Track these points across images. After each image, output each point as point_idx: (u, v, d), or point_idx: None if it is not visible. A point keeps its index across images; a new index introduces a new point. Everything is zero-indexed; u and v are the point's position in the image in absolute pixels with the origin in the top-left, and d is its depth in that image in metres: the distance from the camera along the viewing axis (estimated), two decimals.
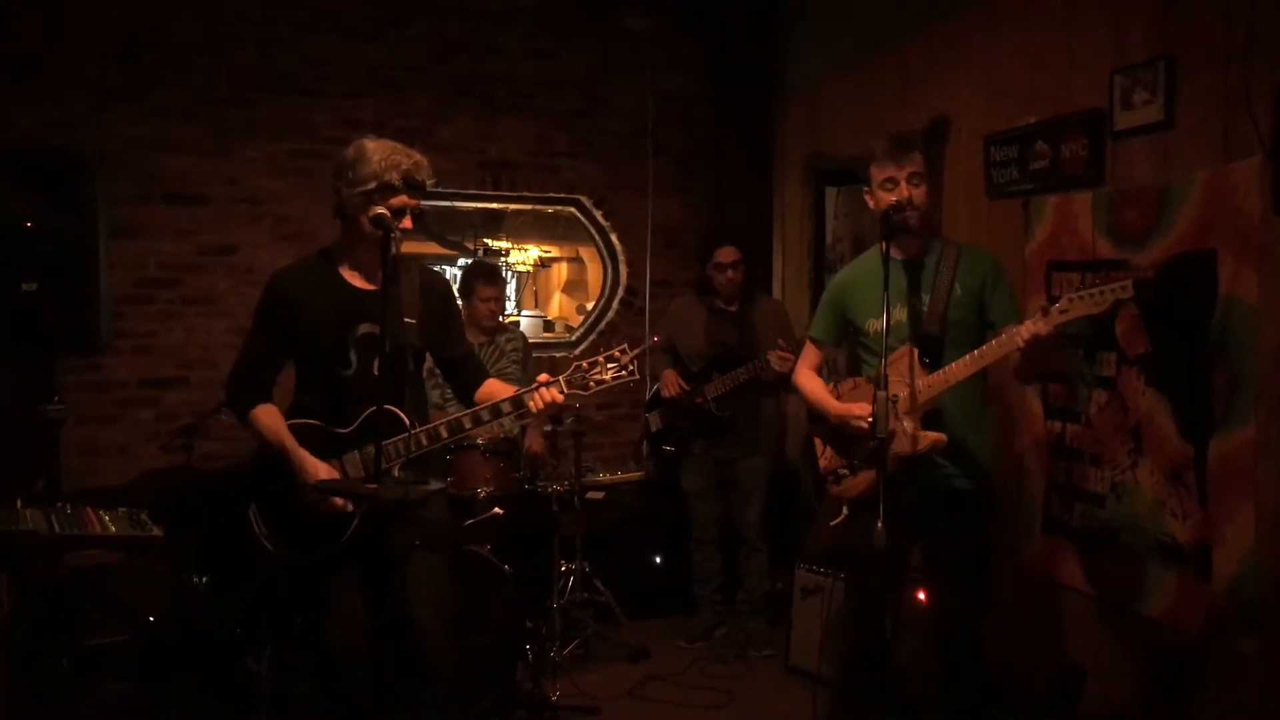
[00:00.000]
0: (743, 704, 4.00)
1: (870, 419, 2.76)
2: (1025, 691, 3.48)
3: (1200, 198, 2.83)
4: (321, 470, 2.58)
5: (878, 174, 2.88)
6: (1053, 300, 3.34)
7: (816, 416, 3.11)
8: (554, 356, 5.35)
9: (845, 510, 3.01)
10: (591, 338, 5.65)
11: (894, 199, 2.81)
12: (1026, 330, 2.56)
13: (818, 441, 3.12)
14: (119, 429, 4.61)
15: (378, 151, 2.56)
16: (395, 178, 2.54)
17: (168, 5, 4.63)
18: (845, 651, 3.12)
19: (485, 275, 4.58)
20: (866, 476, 2.93)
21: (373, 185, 2.53)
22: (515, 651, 3.79)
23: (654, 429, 4.71)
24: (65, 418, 3.79)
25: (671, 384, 4.54)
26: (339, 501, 2.55)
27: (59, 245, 3.58)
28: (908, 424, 2.77)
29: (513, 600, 3.72)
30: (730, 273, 4.44)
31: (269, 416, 2.67)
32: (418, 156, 2.61)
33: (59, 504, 3.18)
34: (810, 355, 3.20)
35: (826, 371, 3.26)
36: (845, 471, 3.01)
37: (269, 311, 2.70)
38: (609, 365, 2.57)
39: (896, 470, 2.71)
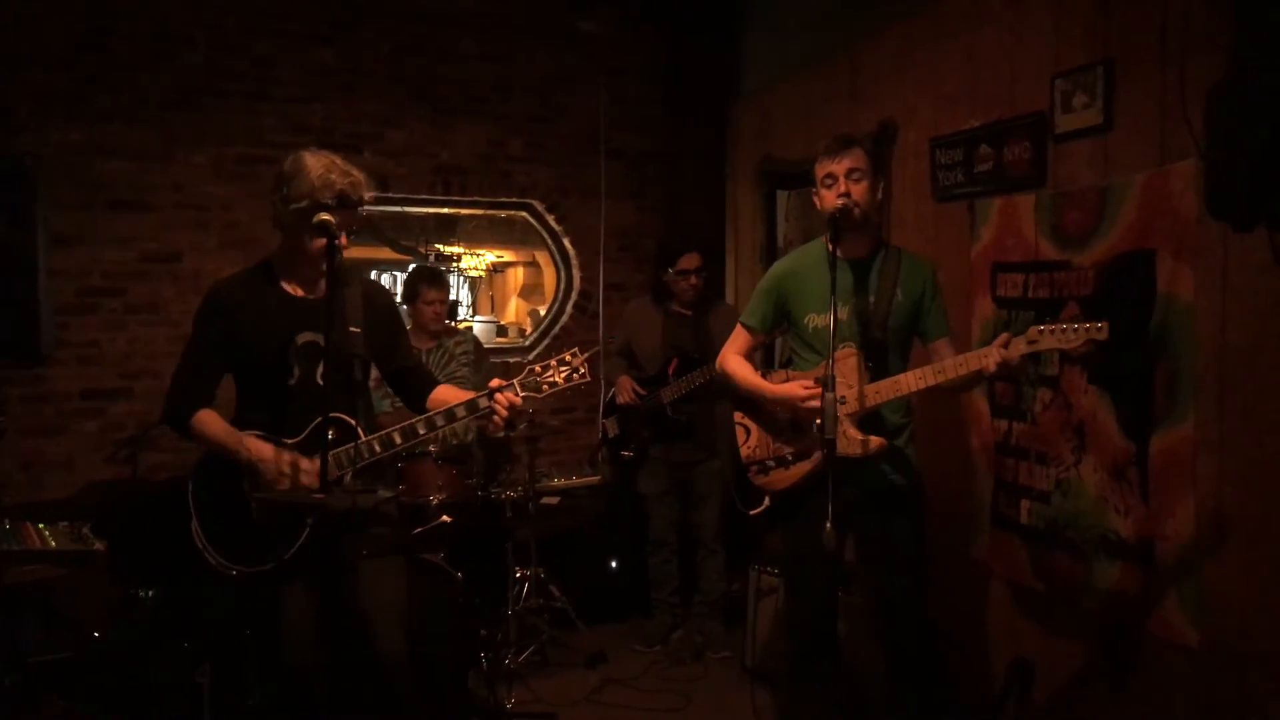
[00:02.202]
0: (700, 706, 4.01)
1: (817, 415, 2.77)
2: (976, 686, 3.53)
3: (1139, 199, 2.89)
4: (277, 453, 2.55)
5: (819, 171, 2.90)
6: (998, 302, 3.43)
7: (744, 401, 3.09)
8: (507, 361, 5.33)
9: (767, 501, 3.01)
10: (546, 342, 5.64)
11: (835, 196, 2.83)
12: (996, 357, 2.59)
13: (740, 429, 3.10)
14: (62, 441, 4.51)
15: (315, 169, 2.52)
16: (328, 196, 2.50)
17: (110, 7, 4.54)
18: (791, 651, 3.14)
19: (429, 279, 4.56)
20: (798, 471, 2.93)
21: (305, 204, 2.50)
22: (470, 659, 3.77)
23: (611, 434, 4.71)
24: (5, 429, 3.71)
25: (626, 390, 4.54)
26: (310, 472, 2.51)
27: None
28: (849, 427, 2.79)
29: (467, 607, 3.70)
30: (694, 279, 4.46)
31: (210, 417, 2.64)
32: (356, 175, 2.57)
33: None
34: (740, 341, 3.15)
35: (761, 357, 3.26)
36: (773, 463, 3.00)
37: (207, 323, 2.66)
38: (561, 368, 2.59)
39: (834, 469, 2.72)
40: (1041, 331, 2.55)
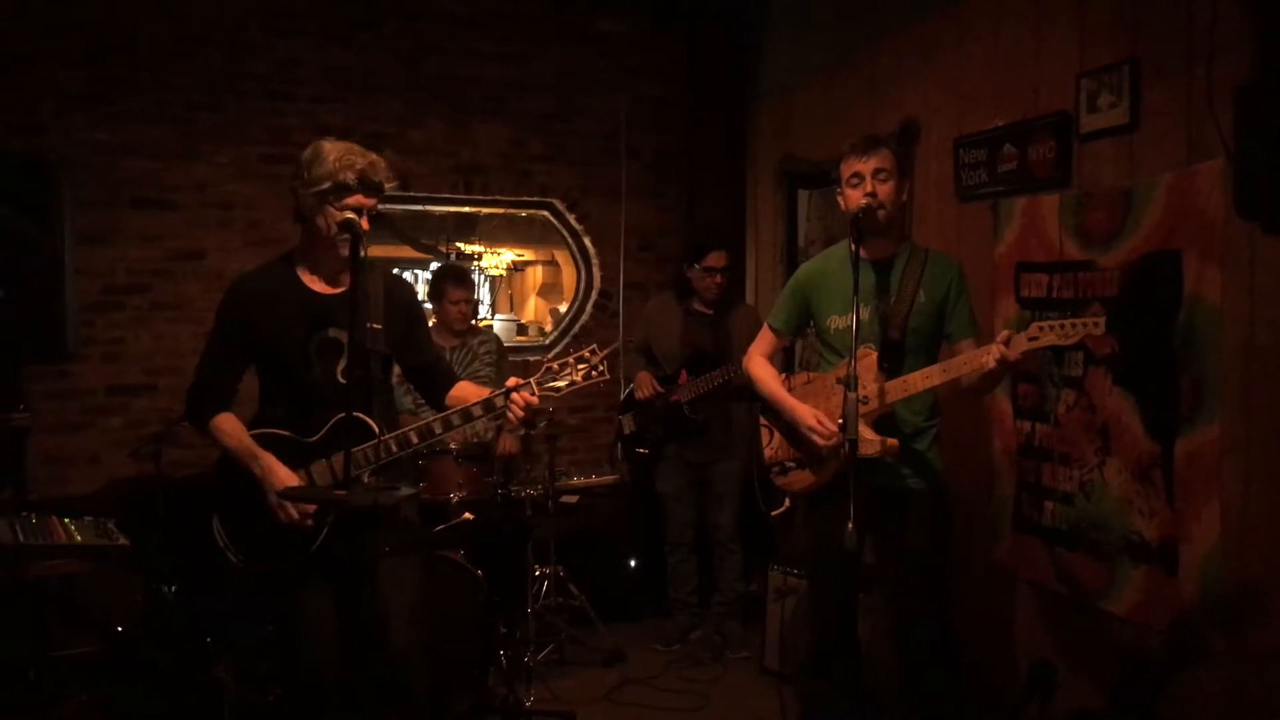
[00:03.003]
0: (718, 706, 4.01)
1: (825, 424, 2.80)
2: (997, 689, 3.51)
3: (1165, 199, 2.86)
4: (288, 479, 2.54)
5: (845, 170, 2.89)
6: (1021, 303, 3.41)
7: (767, 405, 3.12)
8: (527, 360, 5.35)
9: (787, 502, 3.03)
10: (565, 341, 5.65)
11: (861, 195, 2.82)
12: (995, 354, 2.57)
13: (764, 430, 3.13)
14: (87, 437, 4.56)
15: (333, 151, 2.53)
16: (350, 177, 2.50)
17: (134, 7, 4.58)
18: (810, 649, 3.13)
19: (454, 277, 4.58)
20: (814, 474, 2.94)
21: (327, 185, 2.50)
22: (489, 657, 3.77)
23: (627, 431, 4.71)
24: (31, 426, 3.74)
25: (646, 385, 4.54)
26: (302, 510, 2.50)
27: (24, 251, 3.53)
28: (864, 428, 2.77)
29: (486, 605, 3.71)
30: (719, 277, 4.46)
31: (230, 424, 2.63)
32: (374, 157, 2.57)
33: (25, 513, 3.14)
34: (766, 342, 3.20)
35: (782, 359, 3.27)
36: (792, 465, 3.01)
37: (228, 318, 2.65)
38: (579, 366, 2.56)
39: (848, 470, 2.72)
40: (1042, 328, 2.54)
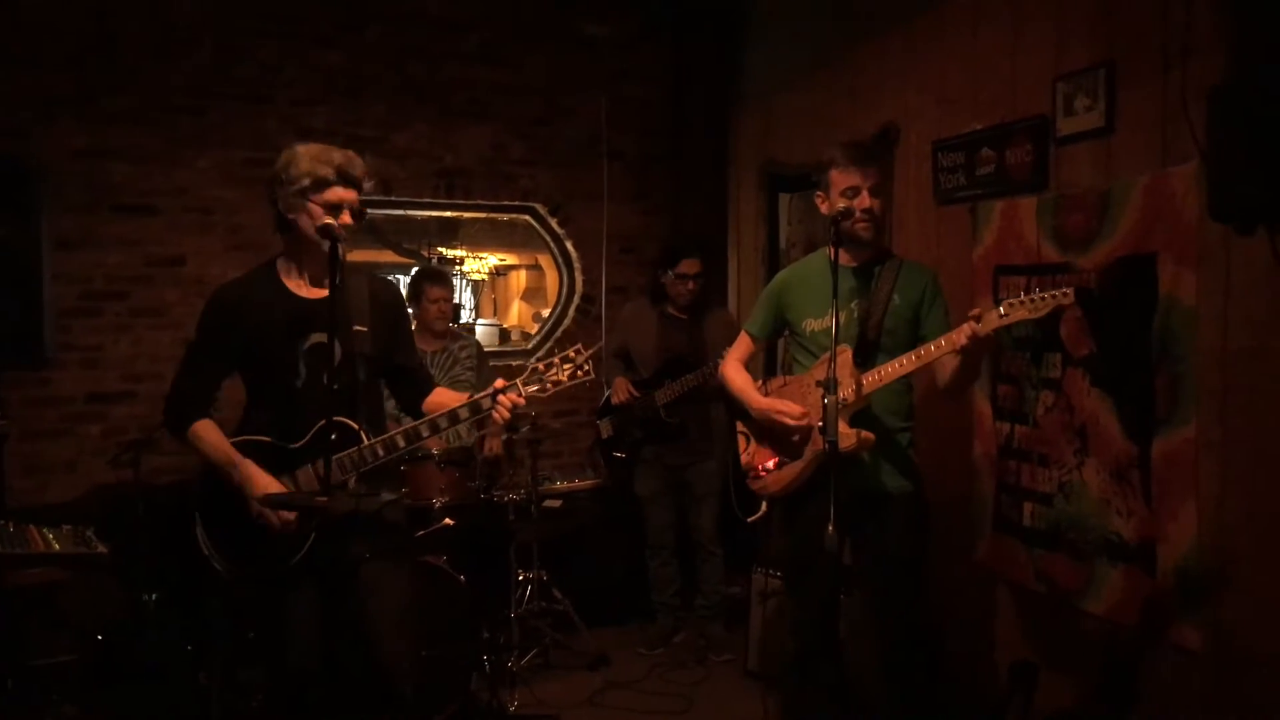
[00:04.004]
0: (702, 709, 4.01)
1: (793, 407, 2.87)
2: (978, 688, 3.53)
3: (1141, 202, 2.89)
4: (268, 485, 2.53)
5: (841, 180, 2.90)
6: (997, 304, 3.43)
7: (740, 410, 3.14)
8: (510, 365, 5.34)
9: (764, 506, 3.06)
10: (548, 345, 5.65)
11: (858, 210, 2.85)
12: (967, 330, 2.60)
13: (741, 438, 3.15)
14: (65, 444, 4.52)
15: (310, 151, 2.56)
16: (328, 171, 2.53)
17: (116, 9, 4.55)
18: (792, 652, 3.15)
19: (432, 277, 4.60)
20: (789, 473, 2.96)
21: (307, 181, 2.51)
22: (473, 662, 3.77)
23: (605, 436, 4.71)
24: (9, 433, 3.72)
25: (622, 390, 4.55)
26: (284, 517, 2.50)
27: (1, 257, 3.52)
28: (840, 422, 2.79)
29: (469, 610, 3.70)
30: (691, 284, 4.48)
31: (209, 432, 2.62)
32: (351, 154, 2.60)
33: (2, 521, 3.12)
34: (741, 348, 3.24)
35: (763, 363, 3.30)
36: (770, 467, 3.03)
37: (211, 326, 2.64)
38: (565, 366, 2.58)
39: (824, 471, 2.73)
40: (1012, 304, 2.57)
